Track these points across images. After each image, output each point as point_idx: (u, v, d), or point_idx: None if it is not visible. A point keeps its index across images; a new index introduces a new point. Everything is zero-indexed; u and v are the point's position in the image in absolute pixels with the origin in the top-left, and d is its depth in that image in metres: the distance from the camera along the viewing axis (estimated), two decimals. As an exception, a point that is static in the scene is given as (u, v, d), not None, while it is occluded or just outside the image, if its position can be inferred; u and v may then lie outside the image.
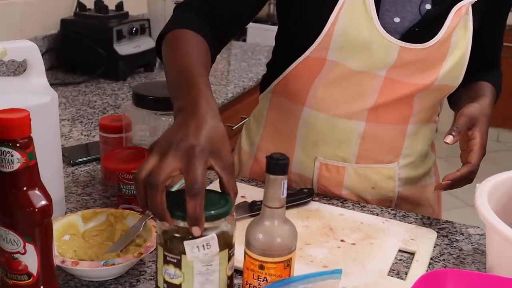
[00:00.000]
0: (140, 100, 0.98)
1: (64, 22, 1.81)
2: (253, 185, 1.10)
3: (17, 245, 0.67)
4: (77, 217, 0.85)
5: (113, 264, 0.75)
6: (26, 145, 0.65)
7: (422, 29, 0.96)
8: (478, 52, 1.02)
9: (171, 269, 0.67)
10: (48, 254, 0.70)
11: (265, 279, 0.68)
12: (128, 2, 1.93)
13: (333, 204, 1.05)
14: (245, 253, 0.69)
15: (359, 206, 1.05)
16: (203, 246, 0.65)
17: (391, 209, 1.05)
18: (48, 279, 0.71)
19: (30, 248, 0.67)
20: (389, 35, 0.95)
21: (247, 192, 1.05)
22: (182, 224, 0.65)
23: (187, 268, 0.66)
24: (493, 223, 0.74)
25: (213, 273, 0.67)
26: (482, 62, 1.09)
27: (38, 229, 0.68)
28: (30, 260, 0.68)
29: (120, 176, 0.92)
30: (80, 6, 1.86)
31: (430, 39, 0.95)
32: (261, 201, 0.98)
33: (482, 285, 0.67)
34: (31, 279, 0.69)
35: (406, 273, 0.84)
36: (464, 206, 3.19)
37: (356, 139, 1.04)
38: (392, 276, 0.83)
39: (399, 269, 0.86)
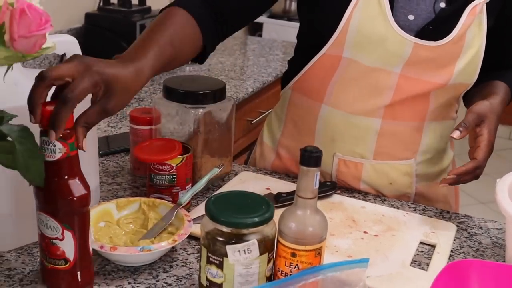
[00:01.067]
0: (170, 93, 1.01)
1: (88, 16, 1.85)
2: (276, 178, 1.14)
3: (56, 231, 0.71)
4: (112, 205, 0.88)
5: (149, 250, 0.78)
6: (68, 136, 0.68)
7: (436, 27, 0.98)
8: (495, 51, 1.04)
9: (214, 269, 0.71)
10: (85, 242, 0.74)
11: (296, 266, 0.72)
12: (150, -3, 1.97)
13: (354, 197, 1.08)
14: (278, 241, 0.73)
15: (380, 199, 1.08)
16: (244, 250, 0.69)
17: (411, 203, 1.08)
18: (84, 266, 0.74)
19: (68, 235, 0.71)
20: (403, 32, 0.97)
21: (271, 185, 1.08)
22: (225, 229, 0.69)
23: (228, 270, 0.70)
24: (515, 217, 0.77)
25: (253, 275, 0.71)
26: (498, 61, 1.11)
27: (77, 217, 0.71)
28: (68, 246, 0.72)
29: (151, 166, 0.95)
30: (104, 0, 1.90)
31: (445, 37, 0.97)
32: (286, 193, 1.03)
33: (507, 276, 0.70)
34: (67, 265, 0.72)
35: (428, 264, 0.87)
36: (476, 203, 3.21)
37: (373, 136, 1.06)
38: (414, 267, 0.87)
39: (420, 260, 0.89)
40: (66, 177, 0.70)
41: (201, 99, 1.01)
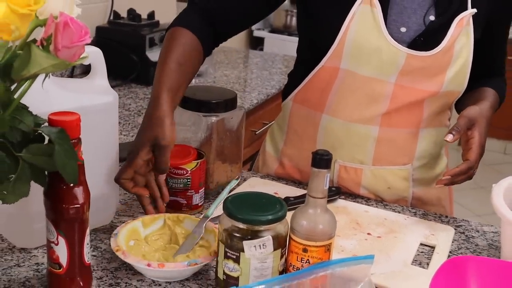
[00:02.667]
0: (186, 102, 1.07)
1: (99, 29, 1.92)
2: (283, 183, 1.20)
3: (53, 236, 0.75)
4: (138, 222, 0.90)
5: (196, 264, 0.81)
6: (73, 146, 0.70)
7: (426, 39, 1.05)
8: (483, 60, 1.12)
9: (231, 263, 0.77)
10: (78, 250, 0.76)
11: (307, 261, 0.77)
12: (159, 11, 2.04)
13: (358, 202, 1.14)
14: (290, 238, 0.78)
15: (381, 204, 1.14)
16: (260, 246, 0.75)
17: (412, 208, 1.14)
18: (77, 273, 0.77)
19: (61, 241, 0.75)
20: (396, 43, 1.04)
21: (279, 189, 1.14)
22: (241, 226, 0.75)
23: (244, 264, 0.76)
24: (509, 217, 0.83)
25: (267, 269, 0.77)
26: (486, 70, 1.18)
27: (70, 225, 0.75)
28: (61, 252, 0.75)
29: (169, 170, 1.00)
30: (115, 14, 1.97)
31: (434, 48, 1.04)
32: (293, 197, 1.08)
33: (501, 271, 0.75)
34: (61, 270, 0.76)
35: (428, 264, 0.93)
36: (472, 215, 3.26)
37: (372, 143, 1.12)
38: (415, 266, 0.92)
39: (421, 260, 0.94)
40: (65, 186, 0.73)
41: (214, 108, 1.07)
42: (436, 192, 1.21)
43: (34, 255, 0.88)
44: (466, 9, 1.06)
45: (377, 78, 1.06)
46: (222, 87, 1.22)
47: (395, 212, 1.11)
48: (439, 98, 1.11)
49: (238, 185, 1.16)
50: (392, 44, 1.04)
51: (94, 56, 0.93)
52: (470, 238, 1.03)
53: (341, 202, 1.12)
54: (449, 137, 1.01)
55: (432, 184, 1.20)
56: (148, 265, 0.80)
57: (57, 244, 0.75)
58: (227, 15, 1.12)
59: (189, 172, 1.00)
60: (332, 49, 1.06)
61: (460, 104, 1.16)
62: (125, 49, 1.86)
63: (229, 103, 1.09)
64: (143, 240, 0.90)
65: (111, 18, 1.98)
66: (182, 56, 1.03)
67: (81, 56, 0.67)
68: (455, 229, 1.05)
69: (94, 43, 1.94)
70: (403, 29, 1.06)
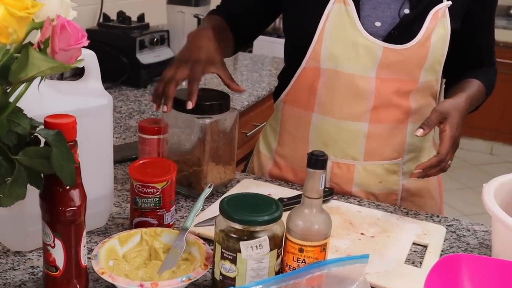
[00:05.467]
0: (179, 104, 1.07)
1: (89, 32, 1.88)
2: (276, 185, 1.20)
3: (49, 238, 0.75)
4: (114, 241, 0.86)
5: (189, 279, 0.78)
6: (70, 148, 0.70)
7: (401, 32, 1.08)
8: (469, 51, 1.14)
9: (227, 264, 0.77)
10: (75, 252, 0.76)
11: (303, 261, 0.78)
12: (148, 13, 2.04)
13: (350, 202, 1.15)
14: (286, 238, 0.79)
15: (374, 204, 1.15)
16: (256, 246, 0.76)
17: (403, 208, 1.15)
18: (74, 276, 0.77)
19: (58, 243, 0.75)
20: (372, 37, 1.07)
21: (272, 191, 1.15)
22: (238, 226, 0.76)
23: (241, 264, 0.76)
24: (499, 215, 0.84)
25: (263, 269, 0.77)
26: (474, 61, 1.20)
27: (66, 228, 0.75)
28: (58, 254, 0.75)
29: (136, 189, 0.94)
30: (104, 17, 1.96)
31: (411, 40, 1.07)
32: (287, 198, 1.09)
33: (493, 268, 0.77)
34: (57, 272, 0.76)
35: (421, 262, 0.94)
36: (460, 216, 3.29)
37: (362, 139, 1.15)
38: (408, 264, 0.93)
39: (414, 259, 0.96)
40: (61, 189, 0.73)
41: (207, 110, 1.07)
42: (425, 184, 1.22)
43: (29, 258, 0.87)
44: (441, 1, 1.08)
45: (358, 74, 1.09)
46: (215, 89, 1.22)
47: (388, 212, 1.12)
48: (422, 91, 1.13)
49: (231, 186, 1.17)
50: (368, 39, 1.07)
51: (88, 59, 0.93)
52: (461, 237, 1.05)
53: (334, 203, 1.13)
54: (419, 132, 1.03)
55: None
56: (141, 285, 0.76)
57: (53, 247, 0.75)
58: (245, 19, 1.24)
59: (159, 190, 0.93)
60: (310, 50, 1.10)
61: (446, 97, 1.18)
62: (115, 51, 1.86)
63: (223, 105, 1.10)
64: (121, 258, 0.85)
65: (101, 20, 1.98)
66: (220, 25, 1.20)
67: (77, 59, 0.67)
68: (446, 228, 1.07)
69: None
70: (377, 24, 1.08)
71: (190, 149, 1.08)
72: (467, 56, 1.15)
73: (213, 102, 1.08)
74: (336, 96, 1.12)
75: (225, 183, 1.16)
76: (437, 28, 1.08)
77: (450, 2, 1.08)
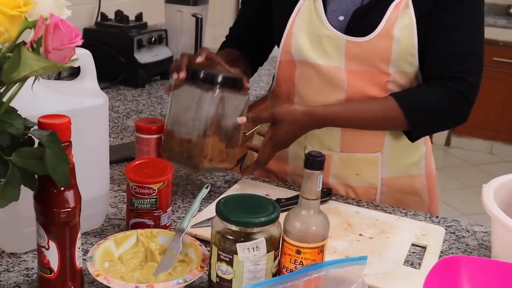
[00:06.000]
0: (192, 76, 1.06)
1: (86, 31, 1.90)
2: (274, 185, 1.19)
3: (44, 240, 0.74)
4: (110, 242, 0.85)
5: (185, 282, 0.77)
6: (64, 149, 0.69)
7: (357, 24, 1.09)
8: (427, 60, 1.09)
9: (224, 266, 0.76)
10: (69, 254, 0.75)
11: (301, 263, 0.77)
12: (147, 12, 2.03)
13: (349, 203, 1.14)
14: (283, 240, 0.78)
15: (372, 205, 1.15)
16: (253, 248, 0.75)
17: (402, 208, 1.14)
18: (69, 278, 0.76)
19: (52, 245, 0.74)
20: (335, 30, 1.10)
21: (270, 191, 1.14)
22: (234, 228, 0.75)
23: (238, 266, 0.75)
24: (499, 217, 0.83)
25: (260, 271, 0.76)
26: (427, 66, 1.10)
27: (61, 229, 0.74)
28: (52, 256, 0.74)
29: (132, 190, 0.93)
30: (102, 16, 1.95)
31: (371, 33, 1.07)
32: (285, 199, 1.08)
33: (493, 270, 0.76)
34: (52, 274, 0.75)
35: (420, 264, 0.93)
36: (460, 215, 3.29)
37: (338, 130, 1.15)
38: (407, 266, 0.93)
39: (413, 260, 0.95)
40: (55, 190, 0.72)
41: (221, 82, 1.05)
42: (408, 181, 1.21)
43: (24, 260, 0.87)
44: None
45: (329, 65, 1.11)
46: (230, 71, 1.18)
47: (386, 212, 1.11)
48: (402, 82, 1.11)
49: (229, 186, 1.16)
50: (331, 32, 1.10)
51: (84, 58, 0.93)
52: (460, 238, 1.04)
53: (332, 204, 1.12)
54: (240, 119, 1.07)
55: (406, 173, 1.20)
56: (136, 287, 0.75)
57: (48, 249, 0.74)
58: (254, 42, 1.29)
59: (156, 191, 0.92)
60: (282, 43, 1.14)
61: None
62: (113, 51, 1.85)
63: (236, 83, 1.08)
64: (117, 260, 0.84)
65: (99, 19, 1.96)
66: (235, 56, 1.25)
67: (71, 59, 0.66)
68: (445, 229, 1.06)
69: (82, 44, 1.93)
70: (341, 18, 1.11)
71: (196, 119, 1.05)
72: (425, 66, 1.09)
73: (228, 76, 1.07)
74: (310, 87, 1.15)
75: (225, 169, 1.12)
76: (400, 19, 1.06)
77: None
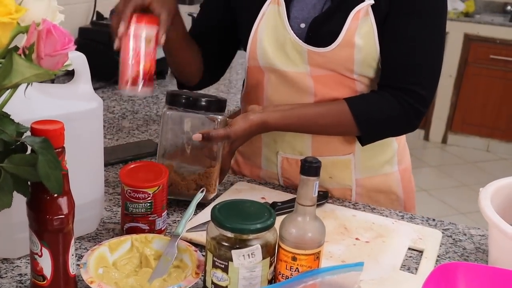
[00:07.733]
0: (192, 105, 1.04)
1: (81, 30, 1.89)
2: (270, 188, 1.19)
3: (37, 247, 0.73)
4: (104, 248, 0.84)
5: None
6: (57, 155, 0.68)
7: (316, 33, 1.06)
8: (382, 68, 1.08)
9: (219, 273, 0.75)
10: (63, 261, 0.74)
11: (296, 270, 0.76)
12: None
13: (345, 206, 1.13)
14: (279, 246, 0.78)
15: (369, 208, 1.14)
16: (249, 255, 0.74)
17: (399, 211, 1.14)
18: (62, 285, 0.75)
19: (45, 252, 0.73)
20: (298, 39, 1.07)
21: (266, 194, 1.13)
22: (230, 234, 0.74)
23: (233, 273, 0.75)
24: (496, 222, 0.83)
25: (256, 278, 0.76)
26: (382, 79, 1.09)
27: (54, 236, 0.73)
28: (45, 263, 0.73)
29: (127, 194, 0.92)
30: (98, 15, 1.94)
31: (335, 40, 1.05)
32: (281, 202, 1.08)
33: (490, 277, 0.75)
34: (45, 282, 0.74)
35: (416, 269, 0.93)
36: (457, 214, 3.29)
37: (308, 134, 1.14)
38: (404, 271, 0.92)
39: (409, 265, 0.94)
40: (48, 197, 0.71)
41: (220, 107, 1.06)
42: (382, 179, 1.21)
43: (17, 266, 0.86)
44: (363, 0, 1.03)
45: (295, 71, 1.10)
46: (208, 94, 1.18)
47: (383, 216, 1.10)
48: (369, 84, 1.11)
49: (224, 189, 1.15)
50: (294, 40, 1.08)
51: (78, 61, 0.92)
52: (457, 242, 1.03)
53: (328, 206, 1.11)
54: (195, 137, 1.00)
55: (380, 172, 1.20)
56: None
57: (40, 256, 0.73)
58: (215, 38, 1.22)
59: (151, 195, 0.91)
60: (248, 49, 1.12)
61: None
62: (108, 49, 1.83)
63: (224, 105, 1.09)
64: (111, 266, 0.83)
65: (94, 18, 1.95)
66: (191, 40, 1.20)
67: (64, 64, 0.65)
68: (442, 232, 1.05)
69: (77, 44, 1.91)
70: (302, 25, 1.09)
71: (200, 149, 1.04)
72: (383, 70, 1.08)
73: (222, 100, 1.07)
74: (278, 93, 1.14)
75: (220, 180, 1.11)
76: (360, 28, 1.04)
77: (372, 1, 1.03)
